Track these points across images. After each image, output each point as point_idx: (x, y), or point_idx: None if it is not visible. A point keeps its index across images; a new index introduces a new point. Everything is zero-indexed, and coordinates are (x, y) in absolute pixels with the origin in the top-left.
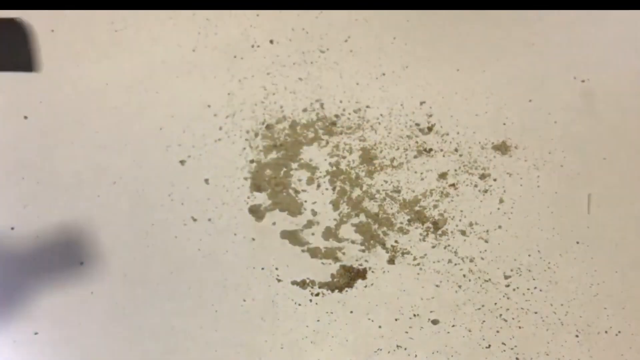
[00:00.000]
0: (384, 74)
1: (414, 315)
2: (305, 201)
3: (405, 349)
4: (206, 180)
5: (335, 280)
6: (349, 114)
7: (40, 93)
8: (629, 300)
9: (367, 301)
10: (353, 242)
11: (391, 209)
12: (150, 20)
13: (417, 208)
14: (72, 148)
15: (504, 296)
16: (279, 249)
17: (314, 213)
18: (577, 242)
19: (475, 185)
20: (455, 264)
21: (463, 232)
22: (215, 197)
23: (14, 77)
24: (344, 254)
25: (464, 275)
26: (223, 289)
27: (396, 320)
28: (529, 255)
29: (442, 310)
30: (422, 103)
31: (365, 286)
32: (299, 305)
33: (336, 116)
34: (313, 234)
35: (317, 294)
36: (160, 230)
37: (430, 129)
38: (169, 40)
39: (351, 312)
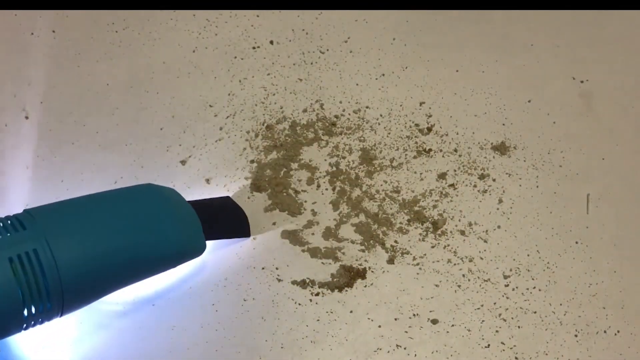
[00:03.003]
0: (383, 75)
1: (414, 315)
2: (305, 201)
3: (405, 348)
4: (207, 180)
5: (335, 280)
6: (349, 114)
7: (40, 93)
8: (628, 300)
9: (366, 301)
10: (353, 242)
11: (391, 209)
12: (150, 20)
13: (416, 208)
14: (72, 148)
15: (503, 296)
16: (279, 249)
17: (314, 213)
18: (576, 242)
19: (475, 186)
20: (455, 264)
21: (462, 232)
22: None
23: (14, 77)
24: (343, 253)
25: (463, 275)
26: (223, 288)
27: (396, 320)
28: (528, 255)
29: (442, 310)
30: (421, 103)
31: (365, 286)
32: (299, 305)
33: (336, 117)
34: (313, 234)
35: (317, 294)
36: None
37: (429, 129)
38: (169, 41)
39: (351, 312)
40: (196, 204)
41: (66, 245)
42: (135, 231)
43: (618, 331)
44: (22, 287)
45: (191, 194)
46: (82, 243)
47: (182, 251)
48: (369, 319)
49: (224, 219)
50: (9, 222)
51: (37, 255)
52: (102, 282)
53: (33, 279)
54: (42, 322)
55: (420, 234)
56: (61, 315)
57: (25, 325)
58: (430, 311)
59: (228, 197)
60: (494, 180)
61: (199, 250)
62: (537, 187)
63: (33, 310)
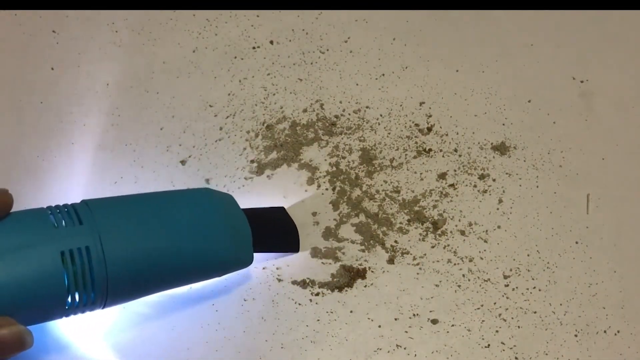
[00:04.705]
0: (383, 75)
1: (414, 315)
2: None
3: (405, 348)
4: (207, 180)
5: (335, 280)
6: (349, 114)
7: (40, 93)
8: (628, 300)
9: (367, 301)
10: (353, 242)
11: (391, 209)
12: (150, 20)
13: (416, 208)
14: (72, 148)
15: (503, 296)
16: None
17: (314, 213)
18: (576, 242)
19: (475, 186)
20: (455, 264)
21: (462, 232)
22: None
23: (13, 78)
24: (343, 253)
25: (464, 275)
26: (223, 288)
27: (396, 320)
28: (528, 255)
29: (442, 310)
30: (421, 103)
31: (365, 286)
32: (299, 305)
33: (336, 117)
34: (313, 233)
35: (317, 294)
36: None
37: (429, 129)
38: (169, 41)
39: (351, 311)
40: (250, 213)
41: (118, 244)
42: (185, 236)
43: (618, 331)
44: (69, 277)
45: None
46: (133, 243)
47: (227, 262)
48: (369, 319)
49: (274, 232)
50: (67, 210)
51: (89, 251)
52: (147, 282)
53: (80, 271)
54: (84, 312)
55: (420, 234)
56: (104, 308)
57: (67, 312)
58: (430, 311)
59: (282, 208)
60: (494, 180)
61: (245, 263)
62: (537, 187)
63: (77, 299)
